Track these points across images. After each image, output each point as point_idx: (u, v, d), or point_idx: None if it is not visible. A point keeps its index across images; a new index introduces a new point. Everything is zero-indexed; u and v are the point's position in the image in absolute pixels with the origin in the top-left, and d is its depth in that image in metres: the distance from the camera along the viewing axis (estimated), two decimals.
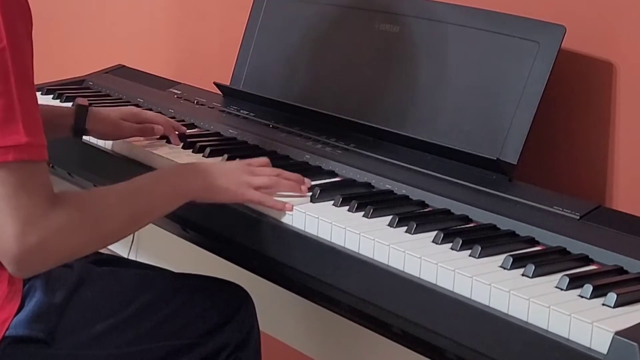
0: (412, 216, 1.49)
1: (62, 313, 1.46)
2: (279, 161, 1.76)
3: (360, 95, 1.90)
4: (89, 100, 2.20)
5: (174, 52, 2.74)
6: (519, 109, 1.64)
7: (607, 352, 1.12)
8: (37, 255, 1.31)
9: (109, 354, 1.48)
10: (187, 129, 1.98)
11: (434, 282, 1.32)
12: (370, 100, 1.88)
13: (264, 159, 1.65)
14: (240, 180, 1.56)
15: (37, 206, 1.30)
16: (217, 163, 1.67)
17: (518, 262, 1.32)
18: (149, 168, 1.79)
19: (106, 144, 1.92)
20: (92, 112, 1.84)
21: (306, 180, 1.61)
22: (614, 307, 1.20)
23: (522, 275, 1.30)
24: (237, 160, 1.68)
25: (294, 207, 1.53)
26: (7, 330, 1.41)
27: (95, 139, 1.91)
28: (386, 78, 1.86)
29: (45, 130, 1.34)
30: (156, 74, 2.46)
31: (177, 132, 1.91)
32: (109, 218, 1.42)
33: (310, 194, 1.58)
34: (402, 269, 1.36)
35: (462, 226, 1.49)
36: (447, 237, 1.40)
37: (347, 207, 1.53)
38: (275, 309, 2.07)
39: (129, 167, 1.83)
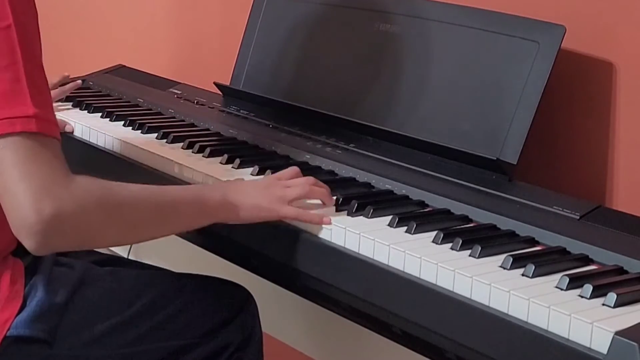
0: (412, 216, 1.49)
1: (63, 313, 1.46)
2: (279, 161, 1.76)
3: (361, 95, 1.90)
4: (89, 100, 2.21)
5: (174, 52, 2.74)
6: (518, 108, 1.64)
7: (607, 352, 1.12)
8: (54, 226, 1.27)
9: (110, 354, 1.48)
10: (187, 129, 1.98)
11: (434, 282, 1.32)
12: (370, 100, 1.88)
13: (294, 169, 1.58)
14: (273, 196, 1.50)
15: (52, 175, 1.28)
16: (247, 181, 1.59)
17: (518, 262, 1.32)
18: (148, 168, 1.79)
19: (106, 144, 1.92)
20: None
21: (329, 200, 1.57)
22: (614, 307, 1.20)
23: (522, 275, 1.29)
24: (267, 175, 1.63)
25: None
26: (8, 330, 1.41)
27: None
28: (386, 78, 1.86)
29: None
30: (156, 74, 2.47)
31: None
32: (132, 205, 1.38)
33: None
34: (402, 269, 1.36)
35: (462, 226, 1.49)
36: (447, 237, 1.40)
37: (347, 207, 1.53)
38: (277, 310, 2.07)
39: (129, 167, 1.83)
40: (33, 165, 1.27)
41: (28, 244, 1.30)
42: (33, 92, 1.30)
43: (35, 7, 1.37)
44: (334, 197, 1.55)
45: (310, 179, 1.55)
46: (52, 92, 2.06)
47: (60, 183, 1.28)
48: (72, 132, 2.00)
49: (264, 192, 1.50)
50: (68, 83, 2.25)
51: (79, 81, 2.27)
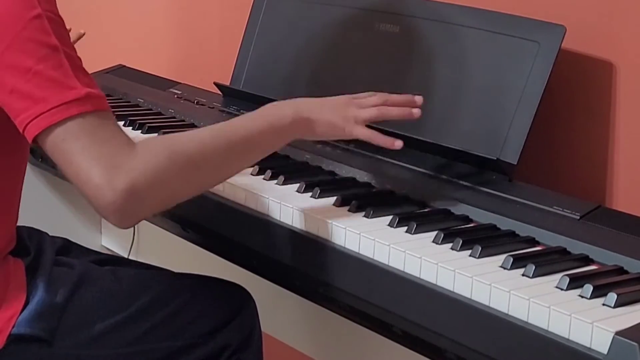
0: (413, 216, 1.49)
1: (63, 312, 1.46)
2: (279, 161, 1.76)
3: None
4: None
5: (174, 52, 2.74)
6: (519, 109, 1.63)
7: (608, 352, 1.12)
8: (132, 199, 1.27)
9: (109, 354, 1.48)
10: (187, 129, 1.97)
11: (434, 282, 1.32)
12: None
13: (369, 93, 1.56)
14: (347, 114, 1.49)
15: (117, 151, 1.28)
16: (317, 98, 1.53)
17: (518, 262, 1.32)
18: None
19: None
20: None
21: (417, 98, 1.55)
22: (614, 307, 1.20)
23: (523, 275, 1.30)
24: (342, 95, 1.57)
25: (294, 209, 1.52)
26: (12, 327, 1.41)
27: None
28: (386, 78, 1.86)
29: None
30: (156, 74, 2.46)
31: None
32: (203, 153, 1.37)
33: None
34: (402, 269, 1.36)
35: (462, 226, 1.49)
36: (448, 237, 1.40)
37: (348, 207, 1.53)
38: (277, 310, 2.07)
39: None
40: (98, 146, 1.27)
41: (113, 221, 1.30)
42: (77, 73, 1.31)
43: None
44: (335, 198, 1.55)
45: (384, 96, 1.54)
46: None
47: (126, 156, 1.28)
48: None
49: (337, 110, 1.50)
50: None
51: (82, 31, 2.21)
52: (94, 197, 1.27)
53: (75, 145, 1.27)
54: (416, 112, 1.54)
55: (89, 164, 1.26)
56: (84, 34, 2.19)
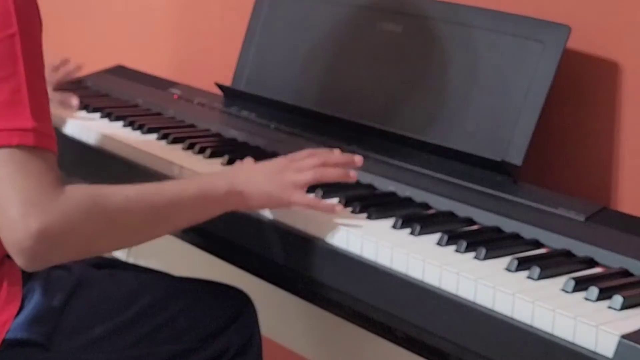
0: (416, 218, 1.48)
1: (60, 316, 1.45)
2: None
3: (362, 95, 1.89)
4: (87, 100, 2.20)
5: (174, 52, 2.74)
6: (523, 109, 1.62)
7: (613, 356, 1.11)
8: (42, 242, 1.25)
9: (107, 358, 1.48)
10: (187, 130, 1.97)
11: (437, 285, 1.31)
12: (373, 101, 1.87)
13: (308, 152, 1.53)
14: (284, 181, 1.46)
15: (40, 190, 1.25)
16: (256, 165, 1.52)
17: (523, 264, 1.31)
18: (148, 169, 1.78)
19: (105, 144, 1.91)
20: None
21: (356, 158, 1.53)
22: (620, 309, 1.19)
23: (527, 277, 1.29)
24: (278, 158, 1.54)
25: (295, 210, 1.51)
26: (7, 332, 1.40)
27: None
28: (389, 78, 1.85)
29: None
30: (156, 74, 2.45)
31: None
32: (126, 211, 1.34)
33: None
34: (405, 271, 1.35)
35: (466, 228, 1.48)
36: (451, 239, 1.39)
37: (350, 209, 1.51)
38: (277, 313, 2.06)
39: (128, 168, 1.82)
40: (23, 180, 1.25)
41: (18, 260, 1.28)
42: (33, 104, 1.29)
43: (40, 18, 1.36)
44: (337, 200, 1.54)
45: (322, 156, 1.51)
46: (57, 75, 2.16)
47: (48, 197, 1.26)
48: (77, 106, 2.10)
49: (274, 179, 1.47)
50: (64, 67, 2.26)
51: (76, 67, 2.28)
52: (6, 230, 1.26)
53: (3, 171, 1.25)
54: (353, 174, 1.51)
55: (9, 194, 1.24)
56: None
